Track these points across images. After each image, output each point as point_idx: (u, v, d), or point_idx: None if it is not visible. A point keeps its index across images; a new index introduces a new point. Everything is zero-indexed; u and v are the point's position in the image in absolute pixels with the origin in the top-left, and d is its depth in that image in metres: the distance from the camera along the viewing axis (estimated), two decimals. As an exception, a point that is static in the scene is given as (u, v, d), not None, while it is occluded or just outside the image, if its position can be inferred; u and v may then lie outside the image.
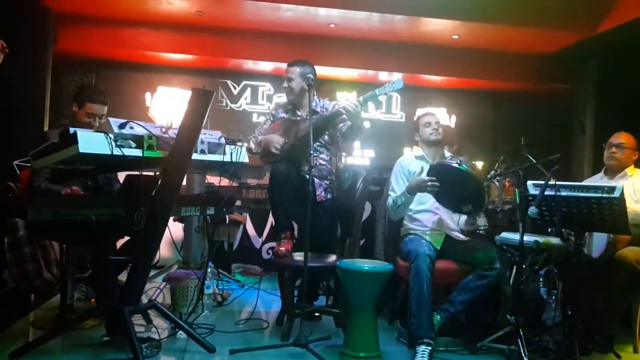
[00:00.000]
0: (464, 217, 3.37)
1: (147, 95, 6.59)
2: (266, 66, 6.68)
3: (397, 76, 6.69)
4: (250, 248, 5.62)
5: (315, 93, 3.74)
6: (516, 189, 4.32)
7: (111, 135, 2.54)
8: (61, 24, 5.30)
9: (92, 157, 2.52)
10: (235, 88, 7.07)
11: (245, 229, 5.59)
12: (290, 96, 3.74)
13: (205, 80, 6.55)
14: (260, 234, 5.65)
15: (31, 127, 4.85)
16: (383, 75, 6.76)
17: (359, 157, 6.68)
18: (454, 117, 7.11)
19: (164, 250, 5.14)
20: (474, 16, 5.38)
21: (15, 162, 3.31)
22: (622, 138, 3.66)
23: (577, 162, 5.91)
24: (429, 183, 3.15)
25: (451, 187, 3.15)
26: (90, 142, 2.46)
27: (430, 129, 3.54)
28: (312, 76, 3.51)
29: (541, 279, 4.06)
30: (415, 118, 3.71)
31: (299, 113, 3.74)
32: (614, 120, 5.10)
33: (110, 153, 2.52)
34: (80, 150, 2.41)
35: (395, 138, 6.77)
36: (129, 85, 6.60)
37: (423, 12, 5.35)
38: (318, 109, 3.69)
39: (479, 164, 6.00)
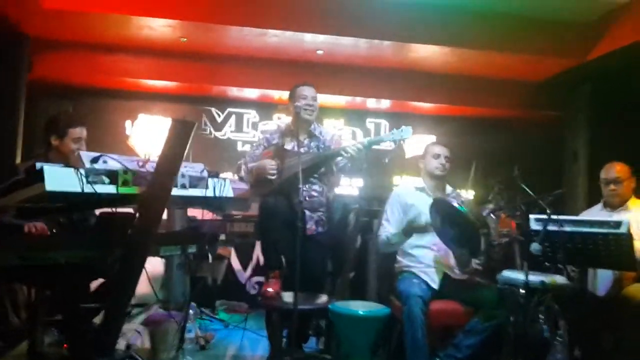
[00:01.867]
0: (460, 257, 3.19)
1: (128, 123, 6.36)
2: (251, 93, 6.50)
3: (385, 103, 6.58)
4: (235, 283, 5.39)
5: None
6: (512, 221, 4.17)
7: (82, 171, 2.32)
8: (37, 50, 5.09)
9: (61, 195, 2.29)
10: (219, 116, 6.88)
11: (229, 263, 5.34)
12: (312, 116, 3.52)
13: (188, 107, 6.37)
14: (245, 268, 5.42)
15: (2, 157, 4.60)
16: (371, 103, 6.63)
17: (347, 186, 6.49)
18: (442, 145, 6.95)
19: (144, 287, 4.91)
20: (464, 43, 5.27)
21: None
22: (616, 172, 3.57)
23: (570, 192, 5.77)
24: (430, 223, 3.02)
25: (449, 225, 2.99)
26: (58, 178, 2.24)
27: (437, 162, 3.39)
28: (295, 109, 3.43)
29: (541, 317, 3.87)
30: (426, 145, 3.55)
31: (300, 138, 3.52)
32: (607, 148, 5.00)
33: (80, 191, 2.29)
34: (48, 189, 2.19)
35: (384, 167, 6.61)
36: (109, 114, 6.36)
37: (411, 39, 5.21)
38: (316, 133, 3.54)
39: (470, 194, 5.84)
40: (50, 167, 2.24)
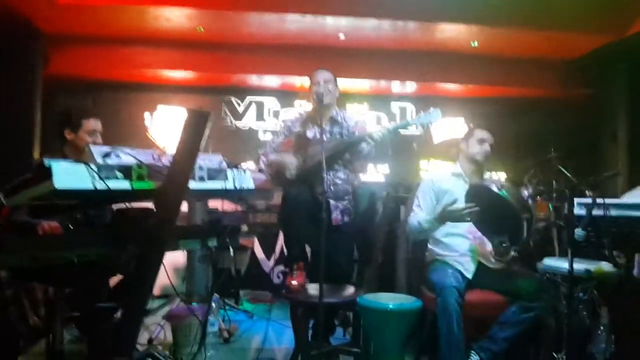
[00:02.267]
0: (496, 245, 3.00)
1: (147, 115, 6.28)
2: (272, 81, 6.37)
3: (410, 86, 6.36)
4: (260, 272, 5.28)
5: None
6: (549, 204, 3.96)
7: (93, 166, 2.20)
8: (53, 45, 5.02)
9: (71, 193, 2.17)
10: (239, 105, 6.76)
11: (253, 253, 5.24)
12: (327, 100, 3.35)
13: (207, 97, 6.27)
14: (269, 257, 5.30)
15: (21, 153, 4.56)
16: (396, 86, 6.42)
17: (373, 173, 6.32)
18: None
19: (167, 280, 4.84)
20: (492, 21, 5.03)
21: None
22: None
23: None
24: (467, 210, 2.81)
25: (488, 212, 2.80)
26: (68, 175, 2.12)
27: (481, 147, 3.21)
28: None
29: (580, 304, 3.68)
30: (469, 128, 3.37)
31: (322, 125, 3.39)
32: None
33: (92, 187, 2.17)
34: (57, 186, 2.06)
35: (411, 152, 6.36)
36: (128, 106, 6.31)
37: (438, 18, 4.98)
38: (338, 119, 3.40)
39: (502, 176, 5.63)
40: (59, 164, 2.11)
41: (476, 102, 6.61)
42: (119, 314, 2.75)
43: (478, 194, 2.86)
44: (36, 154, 4.76)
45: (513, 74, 6.01)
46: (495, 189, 2.76)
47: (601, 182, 3.00)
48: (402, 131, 4.99)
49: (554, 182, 4.16)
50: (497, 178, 3.33)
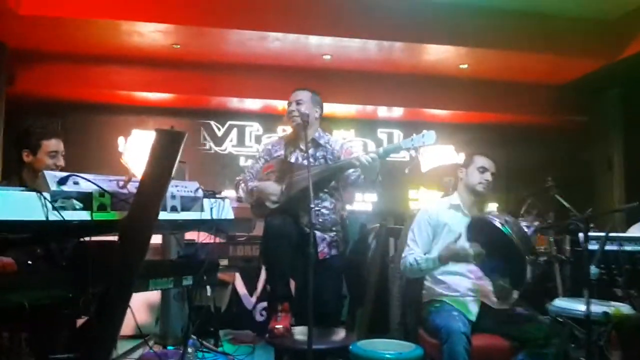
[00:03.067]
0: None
1: (121, 140, 5.96)
2: (253, 104, 6.11)
3: (397, 112, 6.15)
4: (241, 310, 4.93)
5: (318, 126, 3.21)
6: (550, 238, 3.74)
7: (46, 195, 1.90)
8: (20, 62, 4.71)
9: (18, 225, 1.87)
10: (219, 129, 6.49)
11: (234, 288, 4.89)
12: (297, 121, 3.10)
13: (185, 121, 5.96)
14: (252, 293, 4.96)
15: (-21, 180, 4.20)
16: (382, 111, 6.22)
17: (360, 202, 6.06)
18: (462, 155, 6.54)
19: (142, 316, 4.50)
20: (482, 43, 4.86)
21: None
22: None
23: (604, 203, 5.32)
24: (474, 251, 2.56)
25: (489, 249, 2.56)
26: (14, 205, 1.83)
27: (482, 177, 2.94)
28: (321, 107, 3.13)
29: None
30: (468, 154, 3.11)
31: (302, 147, 3.13)
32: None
33: (44, 219, 1.87)
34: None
35: (399, 179, 6.13)
36: (100, 130, 5.98)
37: (426, 39, 4.80)
38: (322, 142, 3.13)
39: (493, 206, 5.41)
40: (4, 192, 1.82)
41: (465, 128, 6.43)
42: None
43: (480, 228, 2.62)
44: (-2, 179, 4.41)
45: (504, 100, 5.86)
46: (498, 224, 2.51)
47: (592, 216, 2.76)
48: (392, 157, 4.77)
49: (551, 213, 3.96)
50: (496, 211, 3.03)
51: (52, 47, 4.78)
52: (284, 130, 6.32)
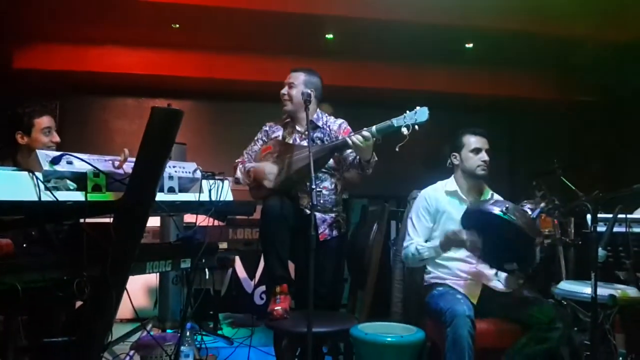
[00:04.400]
0: (504, 274, 2.69)
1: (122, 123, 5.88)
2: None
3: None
4: (241, 293, 4.89)
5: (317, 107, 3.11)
6: (554, 220, 3.67)
7: (39, 175, 1.86)
8: (14, 41, 4.63)
9: (10, 206, 1.82)
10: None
11: (234, 271, 4.86)
12: (288, 106, 3.06)
13: (187, 102, 5.85)
14: (252, 277, 4.93)
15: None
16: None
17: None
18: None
19: (140, 300, 4.47)
20: (489, 21, 4.71)
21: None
22: None
23: (624, 184, 5.19)
24: (469, 241, 2.50)
25: (491, 238, 2.50)
26: (5, 185, 1.78)
27: (478, 158, 2.82)
28: (316, 89, 2.98)
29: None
30: (457, 136, 2.93)
31: (298, 128, 3.07)
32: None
33: (37, 199, 1.83)
34: (-10, 198, 1.71)
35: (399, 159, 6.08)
36: (99, 111, 5.88)
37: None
38: (319, 124, 3.05)
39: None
40: (-6, 171, 1.77)
41: (464, 107, 6.30)
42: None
43: (475, 217, 2.55)
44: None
45: (510, 78, 5.70)
46: (498, 211, 2.42)
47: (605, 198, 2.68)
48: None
49: (559, 194, 3.90)
50: (497, 196, 2.94)
51: (48, 28, 4.68)
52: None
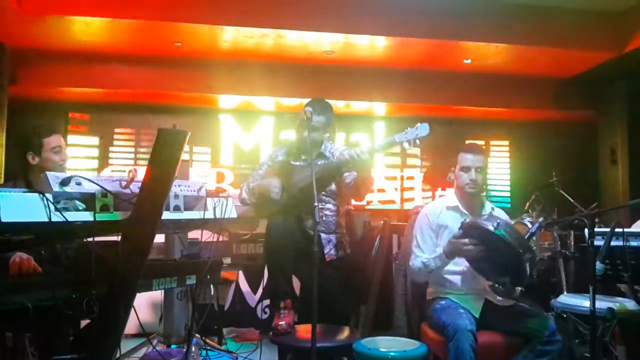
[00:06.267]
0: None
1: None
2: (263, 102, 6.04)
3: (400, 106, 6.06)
4: (245, 308, 4.94)
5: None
6: (554, 233, 3.73)
7: (49, 196, 1.90)
8: (20, 61, 4.71)
9: (22, 227, 1.87)
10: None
11: (237, 286, 4.90)
12: (303, 143, 3.06)
13: (187, 119, 5.90)
14: (255, 291, 4.97)
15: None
16: (379, 108, 6.11)
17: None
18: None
19: (145, 315, 4.50)
20: (486, 37, 4.80)
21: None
22: None
23: (609, 197, 5.28)
24: (472, 247, 2.55)
25: (486, 252, 2.56)
26: (17, 207, 1.84)
27: (467, 176, 2.86)
28: (332, 124, 3.10)
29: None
30: (456, 152, 2.98)
31: (303, 157, 3.12)
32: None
33: (47, 220, 1.87)
34: (3, 220, 1.78)
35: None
36: (102, 127, 5.93)
37: (430, 34, 4.75)
38: (327, 154, 3.12)
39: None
40: (6, 194, 1.81)
41: (466, 123, 6.40)
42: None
43: (471, 234, 2.60)
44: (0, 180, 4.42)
45: (508, 94, 5.78)
46: (490, 226, 2.49)
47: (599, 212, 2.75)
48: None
49: (556, 208, 3.96)
50: (498, 210, 2.99)
51: (53, 46, 4.76)
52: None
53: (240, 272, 4.86)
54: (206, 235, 3.06)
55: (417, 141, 2.72)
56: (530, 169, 5.87)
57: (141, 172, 2.16)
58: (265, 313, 4.89)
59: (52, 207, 1.91)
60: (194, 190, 2.42)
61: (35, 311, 1.94)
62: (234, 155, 6.15)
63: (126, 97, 5.61)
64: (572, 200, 3.74)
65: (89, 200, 2.02)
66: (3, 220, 1.76)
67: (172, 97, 5.62)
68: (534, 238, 3.49)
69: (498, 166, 6.56)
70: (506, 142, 6.63)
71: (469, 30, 4.74)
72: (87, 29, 4.43)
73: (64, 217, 1.92)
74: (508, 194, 6.59)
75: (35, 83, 5.04)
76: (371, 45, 4.97)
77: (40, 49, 4.78)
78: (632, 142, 5.39)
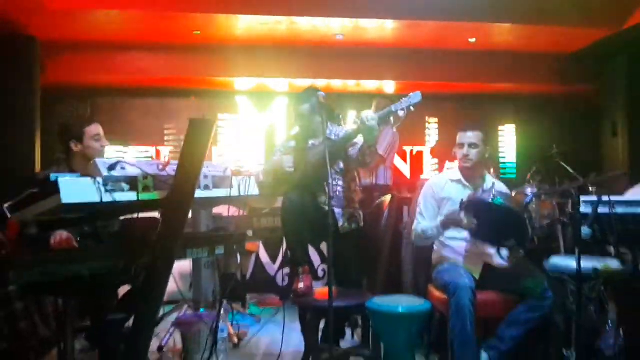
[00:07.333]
0: (505, 251, 2.99)
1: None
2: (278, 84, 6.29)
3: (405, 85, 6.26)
4: (265, 276, 5.29)
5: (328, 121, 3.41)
6: (553, 201, 3.96)
7: (99, 179, 2.20)
8: (48, 52, 4.99)
9: (78, 207, 2.17)
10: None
11: (258, 257, 5.25)
12: (311, 128, 3.39)
13: (203, 101, 6.18)
14: (274, 261, 5.31)
15: (22, 164, 4.55)
16: (390, 86, 6.32)
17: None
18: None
19: (173, 286, 4.84)
20: (490, 16, 4.96)
21: (5, 205, 2.99)
22: None
23: (610, 168, 5.47)
24: (466, 222, 2.81)
25: (490, 222, 2.80)
26: (75, 189, 2.12)
27: (461, 152, 3.13)
28: (319, 99, 3.18)
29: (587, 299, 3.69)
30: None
31: (312, 142, 3.39)
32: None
33: (99, 200, 2.17)
34: (64, 201, 2.07)
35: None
36: (124, 112, 6.25)
37: (437, 15, 4.94)
38: (333, 137, 3.35)
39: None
40: (65, 178, 2.12)
41: (472, 99, 6.59)
42: (129, 324, 2.77)
43: (473, 208, 2.84)
44: (37, 166, 4.74)
45: (512, 70, 5.93)
46: (488, 199, 2.75)
47: (605, 181, 2.98)
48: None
49: (556, 179, 4.17)
50: (499, 183, 3.25)
51: (79, 37, 5.03)
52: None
53: (260, 244, 5.19)
54: (229, 211, 3.39)
55: (412, 108, 3.02)
56: (535, 141, 6.04)
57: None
58: (284, 281, 5.22)
59: (102, 189, 2.22)
60: (221, 171, 2.70)
61: (91, 279, 2.27)
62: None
63: (147, 82, 5.91)
64: (571, 171, 3.96)
65: (132, 182, 2.31)
66: (64, 201, 2.08)
67: (192, 82, 5.89)
68: (534, 206, 3.75)
69: (504, 139, 6.77)
70: (511, 117, 6.83)
71: (473, 11, 4.90)
72: (111, 20, 4.70)
73: (113, 197, 2.23)
74: (514, 166, 6.83)
75: (61, 72, 5.33)
76: (380, 28, 5.15)
77: (67, 41, 5.06)
78: (632, 115, 5.54)
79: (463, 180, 3.16)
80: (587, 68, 5.90)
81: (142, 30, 5.03)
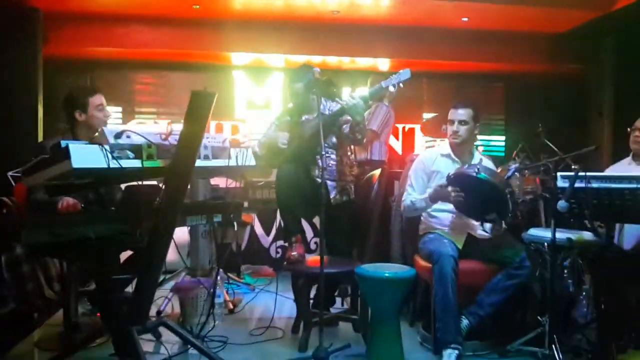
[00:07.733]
0: (488, 224, 3.15)
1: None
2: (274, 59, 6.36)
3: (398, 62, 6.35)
4: (259, 248, 5.46)
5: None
6: (537, 178, 4.12)
7: (107, 147, 2.34)
8: (51, 24, 5.06)
9: (87, 172, 2.31)
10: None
11: (253, 229, 5.41)
12: (305, 104, 3.50)
13: (203, 75, 6.26)
14: (268, 233, 5.47)
15: (24, 134, 4.66)
16: (383, 63, 6.41)
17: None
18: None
19: (171, 255, 4.99)
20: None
21: (10, 173, 3.11)
22: None
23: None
24: (453, 194, 2.96)
25: (473, 196, 2.96)
26: (84, 155, 2.26)
27: (450, 129, 3.27)
28: (314, 75, 3.27)
29: (565, 271, 3.88)
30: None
31: (307, 117, 3.53)
32: (634, 102, 4.83)
33: (107, 166, 2.31)
34: (74, 166, 2.21)
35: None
36: (125, 84, 6.34)
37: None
38: (326, 112, 3.47)
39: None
40: (76, 145, 2.26)
41: (464, 78, 6.72)
42: (130, 287, 2.93)
43: (457, 181, 2.98)
44: (39, 136, 4.85)
45: (501, 49, 6.02)
46: (472, 173, 2.90)
47: (582, 156, 3.11)
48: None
49: (542, 156, 4.33)
50: (486, 159, 3.41)
51: (81, 9, 5.10)
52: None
53: (255, 216, 5.36)
54: (222, 182, 3.52)
55: (401, 84, 3.17)
56: (523, 120, 6.19)
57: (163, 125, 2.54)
58: (278, 253, 5.40)
59: (109, 156, 2.35)
60: (220, 142, 2.84)
61: (96, 241, 2.41)
62: (247, 108, 6.52)
63: (146, 56, 5.99)
64: (555, 149, 4.12)
65: (137, 150, 2.43)
66: (74, 166, 2.21)
67: (189, 56, 5.98)
68: (517, 182, 3.92)
69: (494, 117, 6.93)
70: (501, 95, 6.96)
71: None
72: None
73: (119, 164, 2.36)
74: (503, 143, 6.99)
75: (63, 44, 5.39)
76: (375, 5, 5.23)
77: (68, 12, 5.12)
78: (618, 95, 5.68)
79: (452, 155, 3.31)
80: (576, 48, 5.99)
81: (143, 3, 5.09)
